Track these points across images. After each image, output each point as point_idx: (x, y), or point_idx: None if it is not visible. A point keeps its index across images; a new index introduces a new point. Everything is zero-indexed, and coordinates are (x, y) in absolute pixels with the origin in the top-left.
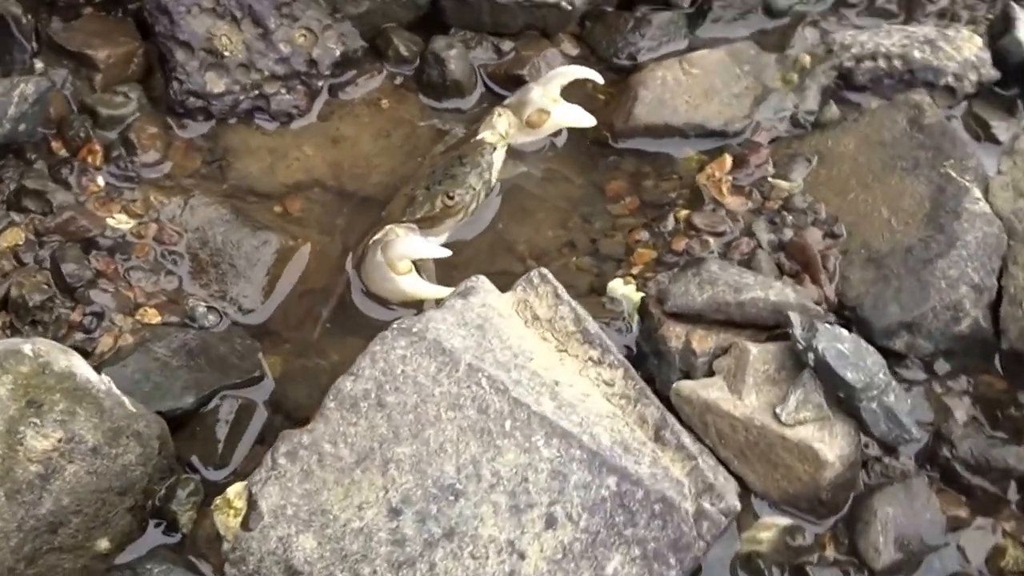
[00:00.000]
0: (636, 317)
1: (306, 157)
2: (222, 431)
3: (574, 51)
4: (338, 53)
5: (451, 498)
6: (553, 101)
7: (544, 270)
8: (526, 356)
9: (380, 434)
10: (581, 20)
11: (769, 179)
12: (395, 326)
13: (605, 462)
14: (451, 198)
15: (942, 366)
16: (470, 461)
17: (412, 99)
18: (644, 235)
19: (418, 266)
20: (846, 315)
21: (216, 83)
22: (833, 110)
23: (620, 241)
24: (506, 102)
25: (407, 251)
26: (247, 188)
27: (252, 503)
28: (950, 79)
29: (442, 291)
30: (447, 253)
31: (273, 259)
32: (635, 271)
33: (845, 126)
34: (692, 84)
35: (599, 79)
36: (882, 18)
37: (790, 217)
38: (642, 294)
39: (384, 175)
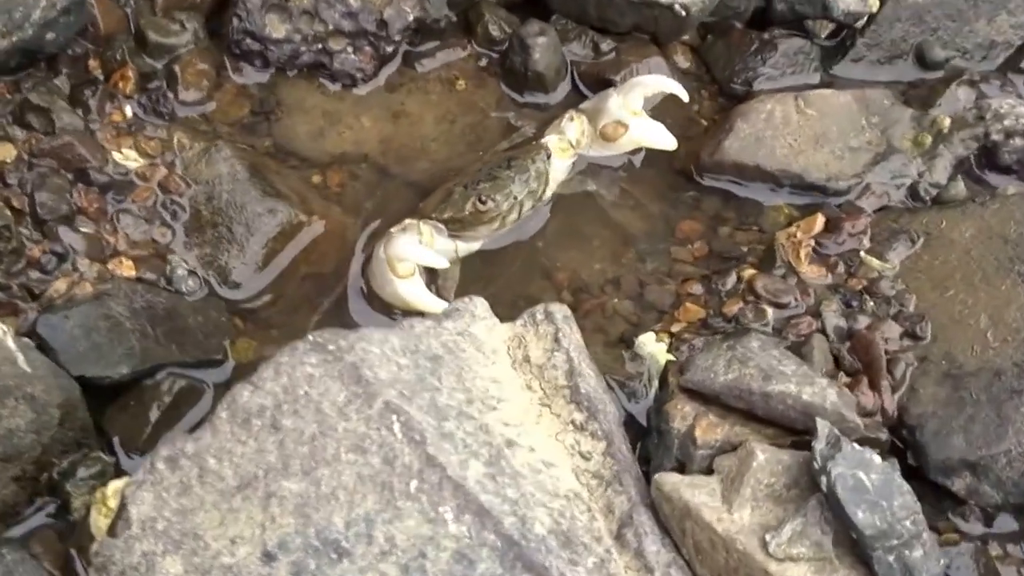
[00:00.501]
0: (656, 382)
1: (360, 127)
2: (155, 413)
3: (685, 64)
4: (411, 18)
5: (334, 556)
6: (633, 114)
7: (562, 307)
8: (488, 404)
9: (268, 461)
10: (704, 31)
11: (861, 253)
12: (312, 336)
13: (523, 556)
14: (483, 203)
15: (1006, 523)
16: (363, 518)
17: (492, 85)
18: (698, 289)
19: (440, 272)
20: (902, 435)
21: (277, 27)
22: (960, 187)
23: (671, 290)
24: (582, 106)
25: (399, 252)
26: (289, 150)
27: (123, 507)
28: None
29: (439, 305)
30: (442, 264)
31: (275, 232)
32: (675, 328)
33: (968, 209)
34: (803, 126)
35: (683, 95)
36: None
37: (871, 303)
38: (671, 357)
39: (437, 163)
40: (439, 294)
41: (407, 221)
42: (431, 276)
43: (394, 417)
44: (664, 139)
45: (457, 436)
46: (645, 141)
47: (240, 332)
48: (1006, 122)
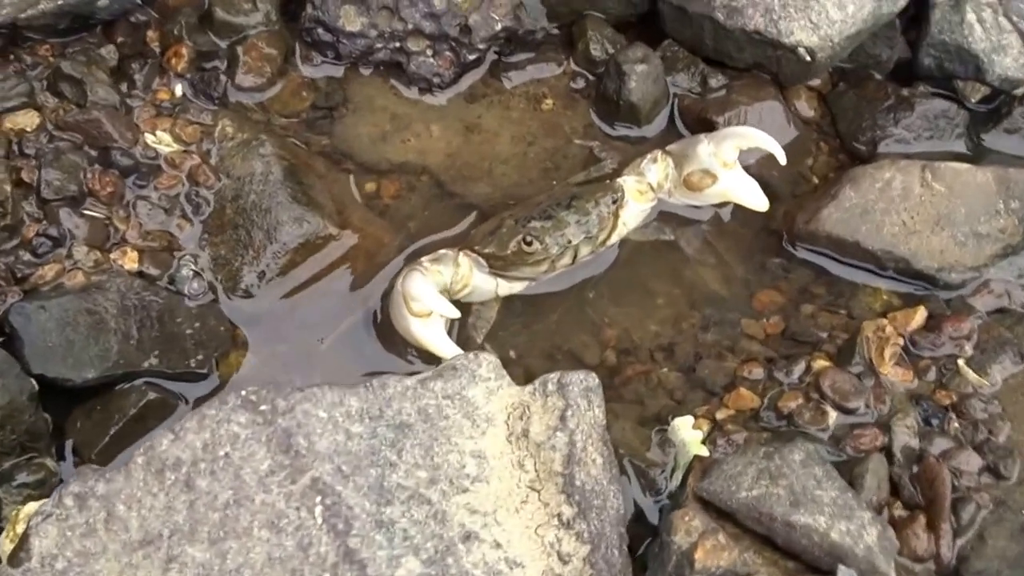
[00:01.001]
0: (680, 476)
1: (428, 137)
2: (116, 422)
3: (808, 111)
4: (499, 27)
5: None
6: (724, 165)
7: (587, 377)
8: (457, 485)
9: (175, 521)
10: (836, 77)
11: (959, 362)
12: (246, 392)
13: None
14: (528, 244)
15: None
16: None
17: (582, 110)
18: (759, 373)
19: (473, 310)
20: None
21: (352, 20)
22: None
23: (728, 369)
24: (670, 147)
25: (411, 291)
26: (346, 151)
27: (26, 536)
28: None
29: (452, 349)
30: (453, 315)
31: (297, 243)
32: (720, 415)
33: None
34: (925, 202)
35: (781, 158)
36: None
37: (955, 424)
38: (704, 451)
39: (502, 187)
40: (469, 332)
41: (442, 252)
42: (463, 311)
43: (319, 498)
44: (755, 199)
45: (398, 526)
46: (733, 197)
47: (240, 345)
48: None
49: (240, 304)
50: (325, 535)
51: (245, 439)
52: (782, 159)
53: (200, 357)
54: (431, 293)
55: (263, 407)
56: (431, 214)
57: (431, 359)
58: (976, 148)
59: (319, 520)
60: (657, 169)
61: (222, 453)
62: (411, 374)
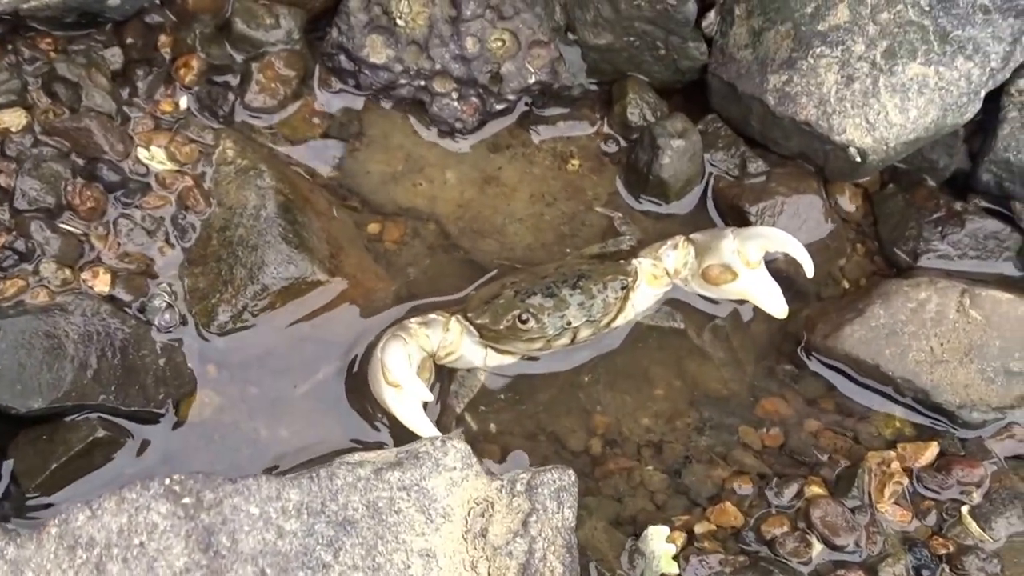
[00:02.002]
0: None
1: (441, 183)
2: (60, 456)
3: (850, 207)
4: (533, 80)
5: None
6: (747, 264)
7: (563, 475)
8: None
9: None
10: (887, 177)
11: (963, 509)
12: (171, 481)
13: None
14: (523, 322)
15: None
16: None
17: (609, 176)
18: (748, 489)
19: (457, 377)
20: None
21: (378, 51)
22: None
23: (717, 479)
24: (693, 235)
25: (386, 362)
26: (354, 188)
27: None
28: None
29: (423, 427)
30: (424, 397)
31: (280, 286)
32: (699, 529)
33: None
34: (958, 329)
35: (809, 270)
36: None
37: None
38: (676, 568)
39: (512, 247)
40: (449, 400)
41: (433, 316)
42: (448, 376)
43: None
44: (774, 305)
45: None
46: (752, 298)
47: (207, 385)
48: None
49: (213, 342)
50: None
51: (163, 531)
52: (810, 272)
53: (160, 396)
54: (404, 369)
55: (186, 500)
56: (431, 266)
57: (401, 429)
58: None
59: None
60: (677, 256)
61: (137, 542)
62: (375, 444)
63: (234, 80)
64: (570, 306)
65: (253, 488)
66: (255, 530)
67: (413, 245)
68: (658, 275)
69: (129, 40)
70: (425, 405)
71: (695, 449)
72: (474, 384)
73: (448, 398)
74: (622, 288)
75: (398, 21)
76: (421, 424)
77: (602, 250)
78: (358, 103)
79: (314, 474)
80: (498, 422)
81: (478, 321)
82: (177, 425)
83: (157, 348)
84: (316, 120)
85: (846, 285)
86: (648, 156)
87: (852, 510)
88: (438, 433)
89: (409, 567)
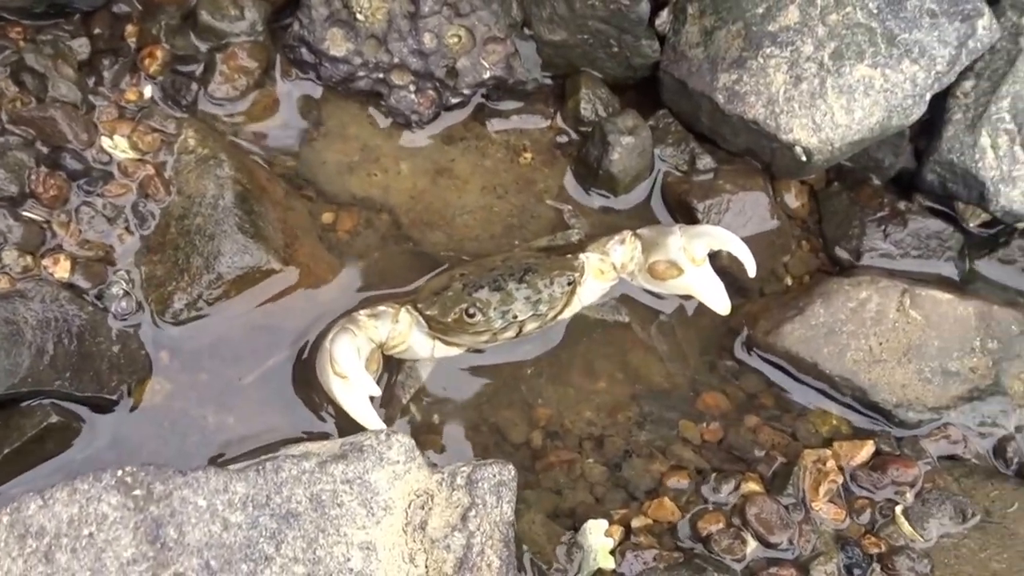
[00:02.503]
0: None
1: (395, 174)
2: (13, 441)
3: (795, 203)
4: (488, 75)
5: None
6: (692, 261)
7: (503, 470)
8: None
9: None
10: (832, 175)
11: (896, 509)
12: (123, 472)
13: None
14: (470, 316)
15: None
16: None
17: (560, 168)
18: (685, 483)
19: (404, 368)
20: None
21: (338, 45)
22: None
23: (655, 473)
24: (640, 231)
25: (334, 355)
26: (310, 177)
27: None
28: None
29: (369, 420)
30: (372, 391)
31: (235, 275)
32: (636, 523)
33: None
34: (898, 329)
35: (751, 270)
36: None
37: None
38: (612, 562)
39: (461, 240)
40: (396, 391)
41: (382, 308)
42: (395, 366)
43: None
44: (718, 301)
45: None
46: (696, 294)
47: (160, 372)
48: None
49: (167, 330)
50: None
51: (112, 522)
52: (752, 271)
53: (114, 383)
54: (352, 361)
55: (136, 491)
56: (383, 257)
57: (347, 419)
58: (966, 273)
59: None
60: (624, 251)
61: (87, 532)
62: (320, 435)
63: (198, 70)
64: (516, 300)
65: (202, 480)
66: (202, 522)
67: (366, 235)
68: (605, 269)
69: (97, 30)
70: (372, 397)
71: (635, 443)
72: (422, 375)
73: (395, 388)
74: (568, 283)
75: (358, 15)
76: (367, 416)
77: (550, 243)
78: (318, 94)
79: (261, 467)
80: (442, 413)
81: (427, 313)
82: (129, 411)
83: (113, 335)
84: (278, 109)
85: (790, 282)
86: (598, 151)
87: (787, 507)
88: (383, 425)
89: (349, 560)
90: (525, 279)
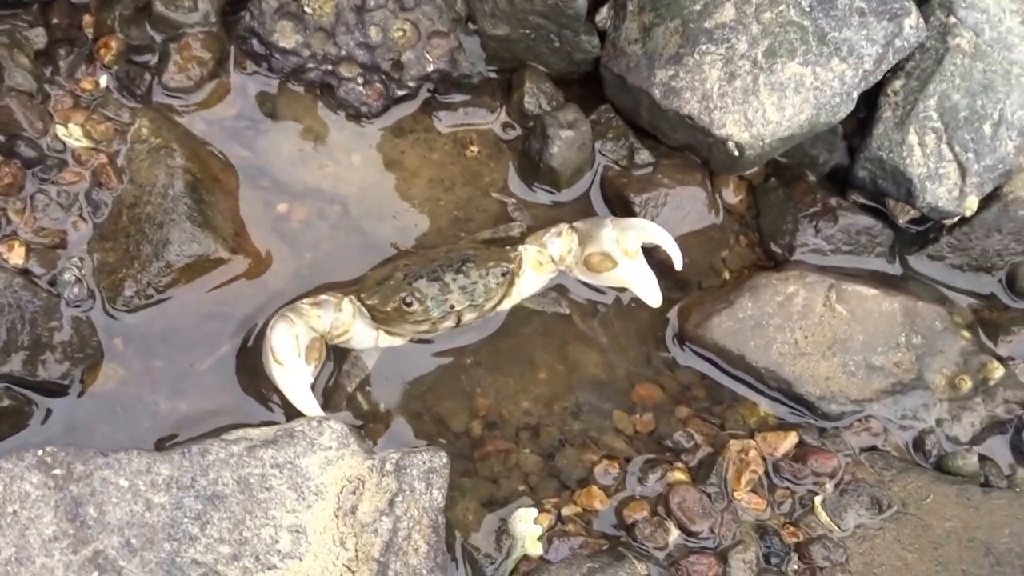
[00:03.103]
0: (509, 572)
1: (347, 165)
2: None
3: (733, 199)
4: (431, 68)
5: None
6: (625, 254)
7: (434, 457)
8: (264, 562)
9: None
10: (770, 171)
11: (816, 500)
12: (43, 452)
13: None
14: (408, 305)
15: None
16: None
17: (505, 162)
18: (615, 472)
19: (349, 357)
20: None
21: (287, 37)
22: (972, 461)
23: (587, 463)
24: (577, 224)
25: (273, 344)
26: (264, 167)
27: None
28: None
29: (307, 405)
30: (307, 381)
31: (183, 263)
32: (566, 511)
33: (967, 493)
34: (824, 323)
35: (678, 263)
36: None
37: (794, 566)
38: (539, 549)
39: (409, 230)
40: (341, 380)
41: (324, 297)
42: (341, 356)
43: (96, 574)
44: (649, 294)
45: None
46: (629, 286)
47: (112, 358)
48: None
49: (119, 316)
50: None
51: (34, 500)
52: (678, 264)
53: (66, 368)
54: (288, 349)
55: (56, 471)
56: (331, 248)
57: (291, 406)
58: (897, 268)
59: None
60: (560, 243)
61: (11, 509)
62: (267, 421)
63: (153, 60)
64: (453, 291)
65: (124, 462)
66: (123, 502)
67: (318, 225)
68: (543, 262)
69: (54, 20)
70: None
71: (569, 433)
72: (367, 364)
73: (340, 377)
74: (503, 274)
75: (306, 8)
76: (305, 402)
77: (493, 235)
78: (272, 85)
79: (186, 450)
80: (385, 401)
81: (369, 302)
82: (81, 396)
83: (65, 321)
84: (232, 99)
85: (727, 276)
86: (540, 145)
87: (710, 497)
88: (320, 411)
89: (277, 542)
90: (463, 270)
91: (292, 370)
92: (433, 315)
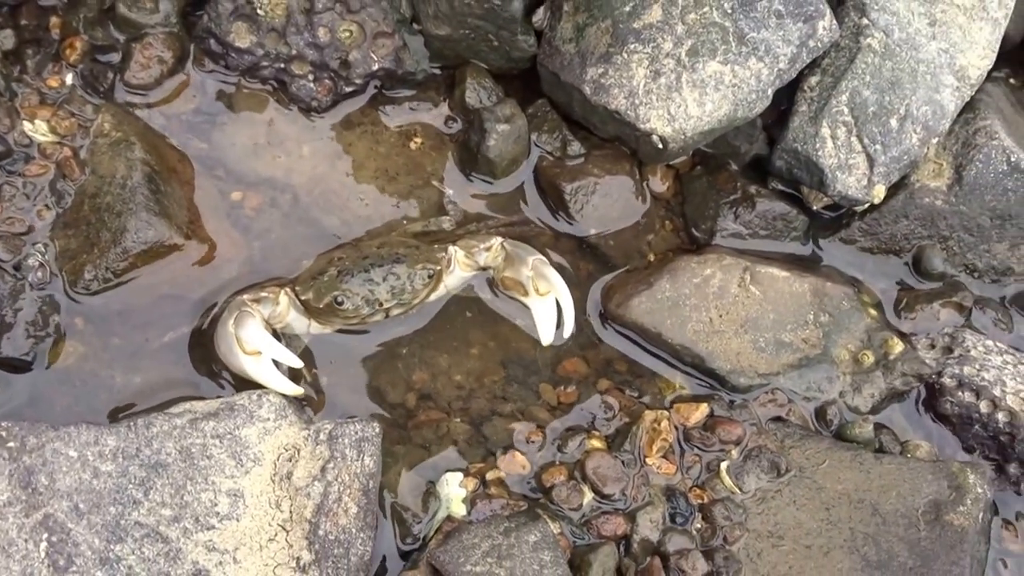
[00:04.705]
0: (434, 530)
1: (298, 156)
2: None
3: (660, 187)
4: (376, 67)
5: None
6: (536, 291)
7: (367, 427)
8: (203, 523)
9: None
10: (697, 160)
11: (721, 466)
12: (5, 425)
13: None
14: (339, 303)
15: None
16: None
17: (447, 153)
18: (537, 440)
19: (289, 335)
20: None
21: (242, 37)
22: (868, 430)
23: (512, 431)
24: (507, 242)
25: (248, 339)
26: (220, 159)
27: None
28: None
29: (288, 387)
30: (295, 363)
31: (139, 249)
32: (490, 476)
33: (860, 458)
34: (738, 303)
35: (567, 330)
36: None
37: (697, 524)
38: (463, 510)
39: (355, 219)
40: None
41: (264, 293)
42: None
43: (46, 535)
44: (544, 333)
45: (124, 563)
46: (533, 315)
47: (74, 336)
48: (966, 368)
49: (80, 298)
50: (46, 569)
51: None
52: (566, 335)
53: (30, 346)
54: (269, 342)
55: (11, 443)
56: (280, 236)
57: (245, 384)
58: (812, 251)
59: (42, 555)
60: (487, 257)
61: None
62: (215, 396)
63: (116, 58)
64: (382, 290)
65: (74, 435)
66: (72, 471)
67: (270, 213)
68: (469, 264)
69: (23, 22)
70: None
71: (501, 401)
72: (298, 345)
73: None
74: (429, 277)
75: (259, 11)
76: (283, 384)
77: (425, 228)
78: (228, 82)
79: (132, 423)
80: (328, 373)
81: (303, 297)
82: (44, 370)
83: (29, 303)
84: (191, 94)
85: (652, 258)
86: (478, 138)
87: (623, 463)
88: (300, 390)
89: (216, 505)
90: (393, 271)
91: (266, 356)
92: (363, 312)
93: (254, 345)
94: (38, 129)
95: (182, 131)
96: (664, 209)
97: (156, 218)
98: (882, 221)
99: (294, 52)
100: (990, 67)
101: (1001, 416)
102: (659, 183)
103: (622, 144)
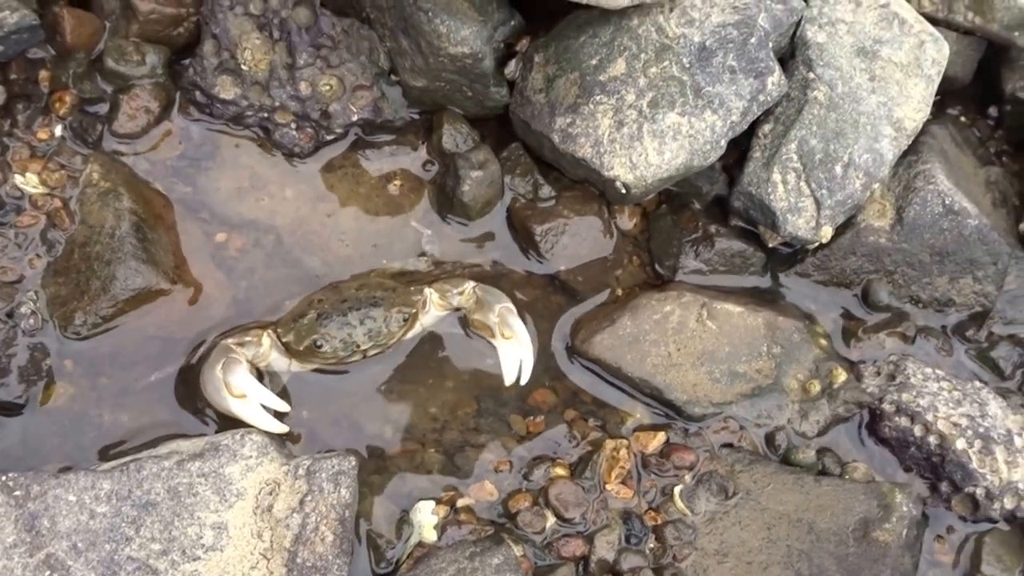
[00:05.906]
0: (408, 552)
1: (281, 199)
2: None
3: (628, 224)
4: (356, 118)
5: None
6: (502, 335)
7: (343, 462)
8: (190, 554)
9: None
10: (663, 198)
11: (675, 490)
12: (5, 478)
13: None
14: (318, 347)
15: None
16: None
17: (425, 196)
18: (505, 469)
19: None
20: None
21: (227, 89)
22: (811, 455)
23: (483, 461)
24: (480, 288)
25: (236, 385)
26: (205, 202)
27: None
28: (979, 491)
29: (274, 426)
30: (283, 408)
31: (128, 295)
32: (460, 503)
33: (801, 482)
34: (695, 337)
35: (524, 377)
36: (997, 377)
37: (651, 544)
38: (434, 536)
39: (333, 263)
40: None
41: (248, 337)
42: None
43: (48, 572)
44: (507, 373)
45: None
46: (499, 356)
47: (64, 378)
48: (904, 395)
49: (70, 342)
50: None
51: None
52: (508, 381)
53: (22, 389)
54: (256, 387)
55: (17, 492)
56: (263, 278)
57: (226, 419)
58: (771, 285)
59: None
60: (459, 300)
61: None
62: (198, 434)
63: (104, 109)
64: (359, 334)
65: (73, 481)
66: (72, 513)
67: (254, 254)
68: (443, 305)
69: (13, 76)
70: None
71: (472, 431)
72: (279, 383)
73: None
74: (404, 320)
75: (243, 66)
76: (270, 424)
77: (402, 268)
78: (213, 129)
79: (125, 467)
80: (309, 407)
81: (284, 339)
82: (35, 413)
83: (21, 348)
84: (177, 141)
85: (619, 293)
86: (453, 182)
87: (584, 488)
88: (285, 428)
89: (201, 538)
90: (370, 315)
91: (253, 400)
92: (340, 354)
93: (241, 390)
94: (29, 182)
95: (168, 176)
96: (632, 245)
97: (144, 265)
98: (832, 257)
99: (277, 104)
100: (926, 118)
101: (932, 439)
102: (627, 220)
103: (591, 185)
